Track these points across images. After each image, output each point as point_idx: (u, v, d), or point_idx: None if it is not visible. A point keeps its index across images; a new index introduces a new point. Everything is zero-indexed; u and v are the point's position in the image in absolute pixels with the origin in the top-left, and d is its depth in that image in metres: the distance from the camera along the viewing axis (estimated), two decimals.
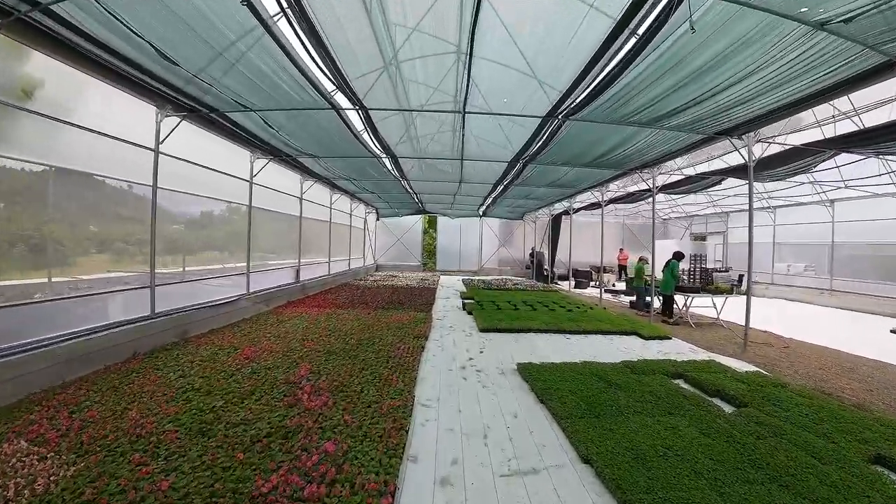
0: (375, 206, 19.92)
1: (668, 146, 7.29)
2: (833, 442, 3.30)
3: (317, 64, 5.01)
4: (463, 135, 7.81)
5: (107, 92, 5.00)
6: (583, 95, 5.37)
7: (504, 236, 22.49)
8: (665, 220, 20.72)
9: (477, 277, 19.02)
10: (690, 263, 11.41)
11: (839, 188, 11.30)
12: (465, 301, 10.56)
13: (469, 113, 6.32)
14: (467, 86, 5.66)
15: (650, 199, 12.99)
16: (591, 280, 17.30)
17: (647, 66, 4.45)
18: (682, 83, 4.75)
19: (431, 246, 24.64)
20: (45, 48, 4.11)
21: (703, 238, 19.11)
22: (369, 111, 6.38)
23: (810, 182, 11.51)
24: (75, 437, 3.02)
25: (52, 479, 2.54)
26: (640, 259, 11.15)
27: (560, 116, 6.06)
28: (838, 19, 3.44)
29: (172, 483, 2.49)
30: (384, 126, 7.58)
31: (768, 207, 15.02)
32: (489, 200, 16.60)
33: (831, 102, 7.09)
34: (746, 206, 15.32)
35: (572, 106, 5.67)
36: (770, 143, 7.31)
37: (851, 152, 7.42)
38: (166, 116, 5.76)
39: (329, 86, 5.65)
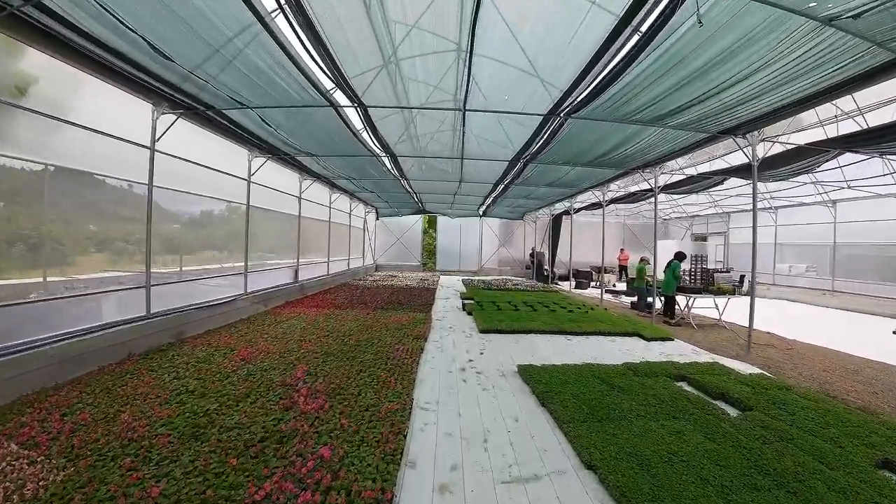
0: (375, 205, 19.84)
1: (670, 145, 7.21)
2: (840, 446, 3.24)
3: (315, 61, 4.96)
4: (463, 133, 7.73)
5: (102, 89, 4.93)
6: (585, 93, 5.31)
7: (504, 236, 22.41)
8: (666, 220, 20.65)
9: (477, 277, 18.95)
10: (691, 264, 11.35)
11: (842, 189, 11.24)
12: (465, 301, 10.48)
13: (469, 110, 6.24)
14: (467, 83, 5.59)
15: (651, 199, 12.97)
16: (592, 280, 17.22)
17: (650, 64, 4.38)
18: (686, 81, 4.68)
19: (431, 246, 24.57)
20: (39, 44, 4.04)
21: (704, 238, 19.05)
22: (368, 108, 6.31)
23: (812, 182, 11.44)
24: (66, 440, 2.96)
25: (41, 484, 2.48)
26: (642, 259, 11.07)
27: (562, 114, 5.99)
28: (847, 15, 3.37)
29: (163, 490, 2.42)
30: (383, 125, 7.51)
31: (770, 208, 14.96)
32: (489, 200, 16.53)
33: (834, 102, 7.07)
34: (748, 207, 15.45)
35: (574, 103, 5.60)
36: (774, 142, 7.23)
37: (856, 152, 7.35)
38: (162, 114, 5.68)
39: (328, 84, 5.59)
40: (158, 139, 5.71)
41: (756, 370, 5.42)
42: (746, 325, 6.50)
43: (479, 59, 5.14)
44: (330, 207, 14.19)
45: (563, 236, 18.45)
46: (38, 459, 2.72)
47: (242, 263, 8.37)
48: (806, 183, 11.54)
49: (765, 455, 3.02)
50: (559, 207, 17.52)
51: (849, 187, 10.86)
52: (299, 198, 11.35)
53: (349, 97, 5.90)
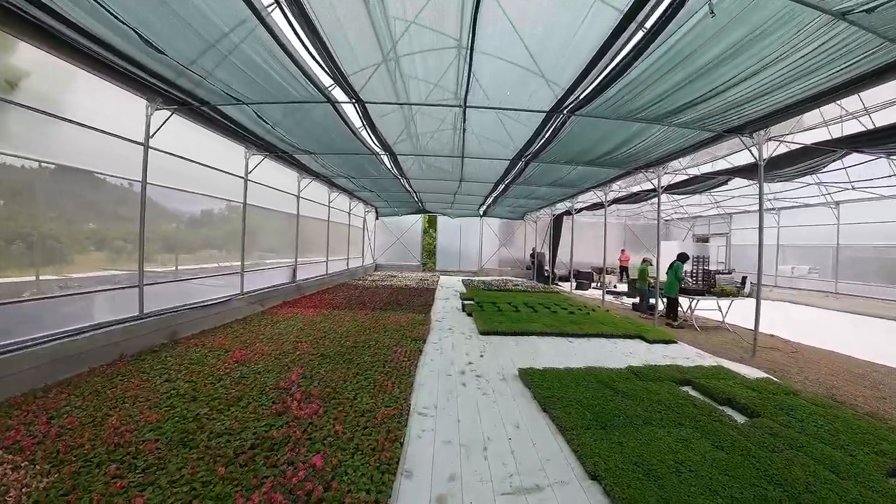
0: (374, 204, 19.73)
1: (674, 144, 7.10)
2: (850, 454, 3.15)
3: (314, 57, 4.86)
4: (464, 131, 7.62)
5: (96, 86, 4.84)
6: (588, 90, 5.20)
7: (504, 236, 22.30)
8: (667, 221, 20.54)
9: (477, 278, 18.83)
10: (693, 265, 11.24)
11: (845, 190, 11.12)
12: (465, 302, 10.36)
13: (470, 107, 6.13)
14: (468, 81, 5.47)
15: (653, 200, 12.87)
16: (593, 281, 17.10)
17: (655, 60, 4.28)
18: (692, 77, 4.56)
19: (431, 246, 24.45)
20: (30, 37, 3.95)
21: (705, 240, 18.92)
22: (366, 105, 6.19)
23: (816, 183, 11.33)
24: (52, 445, 2.86)
25: (24, 490, 2.39)
26: (644, 260, 10.95)
27: (565, 111, 5.87)
28: (860, 8, 3.26)
29: (148, 499, 2.33)
30: (383, 123, 7.41)
31: (773, 209, 14.85)
32: (490, 200, 16.42)
33: (838, 102, 6.96)
34: (750, 208, 15.35)
35: (578, 100, 5.48)
36: (781, 141, 7.12)
37: (862, 152, 7.23)
38: (156, 110, 5.56)
39: (326, 80, 5.50)
40: (153, 135, 5.59)
41: (762, 374, 5.30)
42: (749, 327, 6.40)
43: (480, 56, 5.05)
44: (329, 206, 14.06)
45: (564, 236, 18.34)
46: (23, 465, 2.64)
47: (241, 263, 8.25)
48: (810, 184, 11.43)
49: (774, 464, 2.92)
50: (560, 207, 17.41)
51: (853, 188, 10.75)
52: (297, 196, 11.23)
53: (348, 94, 5.79)
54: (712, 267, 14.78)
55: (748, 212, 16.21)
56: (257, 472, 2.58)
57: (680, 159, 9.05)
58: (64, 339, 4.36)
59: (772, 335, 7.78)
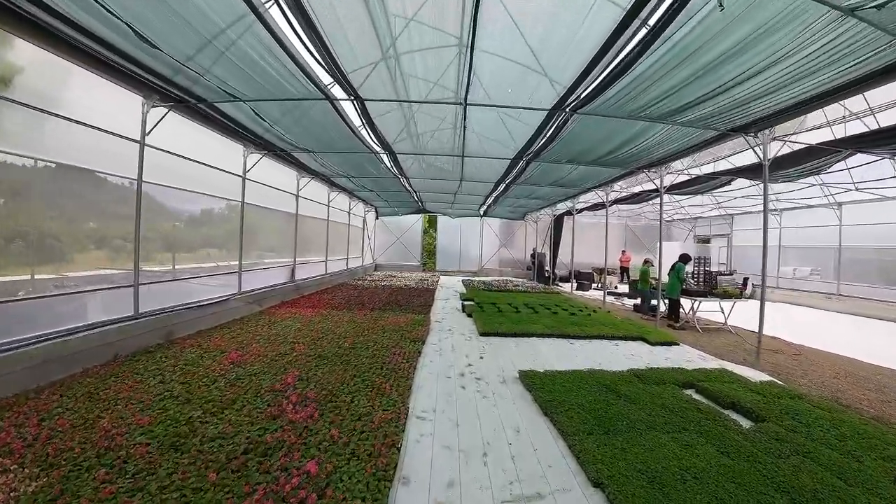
0: (374, 204, 19.65)
1: (677, 144, 7.01)
2: (858, 460, 3.08)
3: (312, 54, 4.79)
4: (464, 129, 7.54)
5: (92, 83, 4.77)
6: (590, 89, 5.13)
7: (505, 237, 22.22)
8: (669, 221, 20.44)
9: (477, 278, 18.75)
10: (695, 266, 11.15)
11: (848, 191, 11.04)
12: (465, 303, 10.28)
13: (471, 104, 6.05)
14: (468, 78, 5.40)
15: (654, 200, 12.79)
16: (593, 282, 17.02)
17: (659, 58, 4.20)
18: (697, 75, 4.48)
19: (431, 246, 24.37)
20: (25, 34, 3.88)
21: (707, 240, 18.82)
22: (365, 102, 6.11)
23: (818, 184, 11.25)
24: (41, 448, 2.80)
25: (11, 494, 2.34)
26: (646, 261, 10.86)
27: (567, 110, 5.79)
28: (870, 4, 3.18)
29: None
30: (383, 122, 7.33)
31: (775, 210, 14.76)
32: (490, 200, 16.33)
33: (842, 102, 6.88)
34: (752, 209, 15.26)
35: (580, 98, 5.41)
36: (786, 141, 7.03)
37: (868, 153, 7.15)
38: (153, 107, 5.49)
39: (326, 78, 5.43)
40: (149, 133, 5.52)
41: (766, 377, 5.22)
42: (751, 329, 6.32)
43: (481, 54, 4.98)
44: (328, 206, 13.99)
45: (565, 237, 18.26)
46: (12, 468, 2.58)
47: (239, 262, 8.17)
48: (812, 185, 11.36)
49: (781, 471, 2.85)
50: (561, 208, 17.34)
51: (856, 189, 10.67)
52: (297, 195, 11.15)
53: (347, 91, 5.72)
54: (713, 268, 14.69)
55: (750, 212, 16.12)
56: (250, 478, 2.50)
57: (682, 159, 8.97)
58: (57, 339, 4.28)
59: (774, 337, 7.70)
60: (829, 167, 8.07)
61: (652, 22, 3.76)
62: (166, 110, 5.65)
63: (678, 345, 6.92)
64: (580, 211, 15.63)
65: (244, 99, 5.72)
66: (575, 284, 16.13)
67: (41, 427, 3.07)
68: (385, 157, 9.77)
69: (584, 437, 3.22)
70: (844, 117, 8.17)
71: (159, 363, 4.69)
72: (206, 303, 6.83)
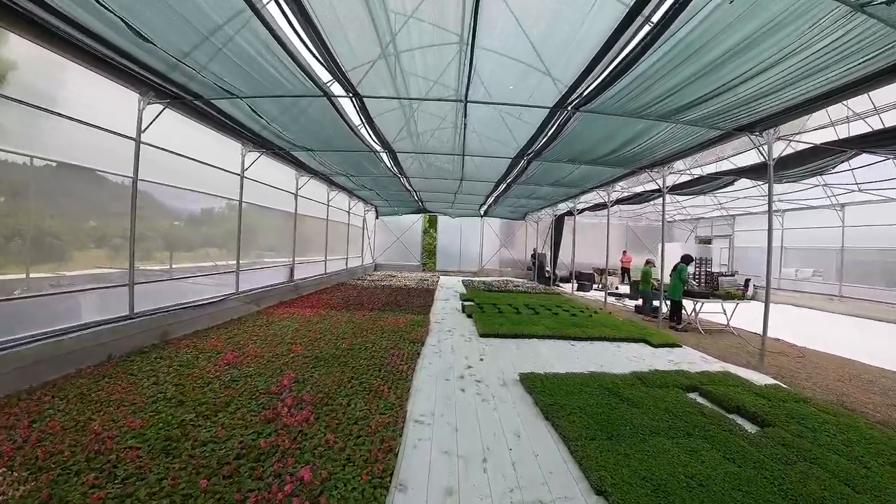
0: (374, 203, 19.57)
1: (680, 143, 6.93)
2: (865, 466, 3.01)
3: (311, 51, 4.71)
4: (465, 128, 7.46)
5: (89, 79, 4.72)
6: (592, 87, 5.06)
7: (505, 237, 22.14)
8: (670, 222, 20.36)
9: (477, 278, 18.67)
10: (696, 267, 11.07)
11: (851, 192, 10.96)
12: (465, 303, 10.21)
13: (471, 102, 5.97)
14: (469, 76, 5.32)
15: (656, 201, 12.71)
16: (594, 283, 16.95)
17: (663, 55, 4.12)
18: (701, 73, 4.41)
19: (431, 246, 24.28)
20: (19, 29, 3.81)
21: (708, 241, 18.73)
22: (364, 100, 6.03)
23: (821, 185, 11.17)
24: (31, 450, 2.73)
25: (0, 499, 2.29)
26: (647, 262, 10.77)
27: (569, 108, 5.71)
28: (879, 0, 3.10)
29: None
30: (382, 121, 7.26)
31: (777, 210, 14.67)
32: (491, 199, 16.26)
33: (845, 103, 6.80)
34: (753, 209, 15.17)
35: (582, 96, 5.33)
36: (791, 140, 6.95)
37: (873, 153, 7.07)
38: (149, 104, 5.41)
39: (325, 76, 5.36)
40: (145, 130, 5.44)
41: (770, 380, 5.14)
42: (753, 330, 6.24)
43: (481, 52, 4.93)
44: (328, 205, 13.91)
45: (566, 237, 18.17)
46: (0, 471, 2.51)
47: (237, 262, 8.09)
48: (815, 185, 11.27)
49: (788, 478, 2.78)
50: (562, 208, 17.26)
51: (859, 190, 10.58)
52: (296, 195, 11.07)
53: (346, 89, 5.64)
54: (715, 269, 14.61)
55: (752, 213, 16.04)
56: (241, 484, 2.42)
57: (684, 159, 8.88)
58: (50, 339, 4.21)
59: (777, 339, 7.62)
60: (833, 167, 7.99)
61: (655, 18, 3.70)
62: (163, 107, 5.57)
63: (680, 347, 6.84)
64: (581, 211, 15.55)
65: (241, 96, 5.65)
66: (576, 285, 16.05)
67: (32, 429, 3.01)
68: (385, 156, 9.69)
69: (587, 442, 3.14)
70: (848, 118, 8.09)
71: (153, 364, 4.62)
72: (202, 303, 6.76)
